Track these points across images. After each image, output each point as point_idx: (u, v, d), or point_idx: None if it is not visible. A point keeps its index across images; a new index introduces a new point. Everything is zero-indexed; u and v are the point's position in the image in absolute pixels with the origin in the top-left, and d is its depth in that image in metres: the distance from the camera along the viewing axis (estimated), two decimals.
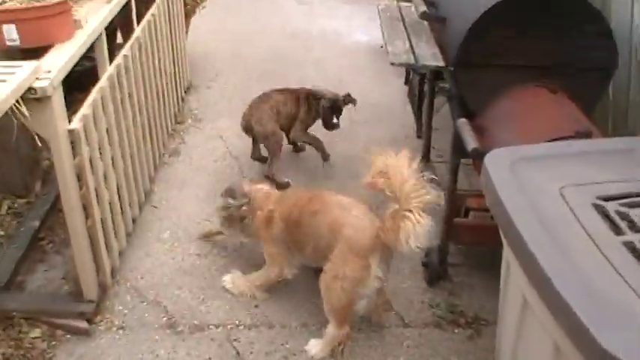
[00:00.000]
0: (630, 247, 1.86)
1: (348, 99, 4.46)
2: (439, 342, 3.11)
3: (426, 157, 4.24)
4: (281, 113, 4.31)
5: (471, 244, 3.47)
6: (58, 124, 2.69)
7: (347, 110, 4.35)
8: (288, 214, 3.16)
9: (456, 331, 3.18)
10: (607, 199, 2.05)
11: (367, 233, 2.85)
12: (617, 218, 1.97)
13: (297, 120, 4.39)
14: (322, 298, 2.97)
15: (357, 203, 3.03)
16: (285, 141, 4.45)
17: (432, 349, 3.07)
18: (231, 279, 3.39)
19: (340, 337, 2.97)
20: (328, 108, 4.37)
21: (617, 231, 1.92)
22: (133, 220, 3.73)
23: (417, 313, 3.26)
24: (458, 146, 3.10)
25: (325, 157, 4.47)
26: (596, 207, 2.02)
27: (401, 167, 2.71)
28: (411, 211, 2.66)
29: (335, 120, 4.41)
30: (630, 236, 1.90)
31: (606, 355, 1.51)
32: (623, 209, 2.00)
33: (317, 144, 4.47)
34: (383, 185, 2.73)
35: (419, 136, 4.71)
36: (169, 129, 4.70)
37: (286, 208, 3.19)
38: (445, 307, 3.30)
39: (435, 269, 3.38)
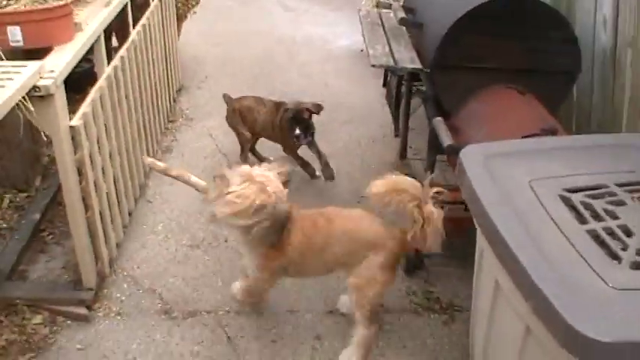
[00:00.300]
0: (593, 234, 1.90)
1: (315, 108, 4.04)
2: (416, 327, 3.14)
3: (403, 155, 4.28)
4: (246, 118, 4.26)
5: (446, 235, 3.49)
6: (61, 121, 2.69)
7: (328, 110, 4.31)
8: (307, 243, 2.75)
9: (432, 316, 3.21)
10: (572, 191, 2.09)
11: (402, 243, 2.75)
12: (581, 208, 2.01)
13: (274, 129, 4.22)
14: (354, 302, 2.81)
15: (374, 215, 2.82)
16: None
17: (409, 333, 3.10)
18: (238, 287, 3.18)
19: (373, 336, 2.86)
20: (291, 119, 3.98)
21: (582, 220, 1.97)
22: (129, 213, 3.73)
23: (396, 300, 3.28)
24: (434, 143, 3.14)
25: (310, 174, 4.26)
26: (563, 198, 2.06)
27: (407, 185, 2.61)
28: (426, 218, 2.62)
29: (297, 131, 3.95)
30: (593, 225, 1.94)
31: (574, 333, 1.55)
32: (587, 200, 2.05)
33: (300, 162, 4.24)
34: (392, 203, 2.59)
35: (396, 135, 4.74)
36: (162, 127, 4.69)
37: (304, 237, 2.74)
38: (421, 294, 3.33)
39: (412, 259, 3.40)
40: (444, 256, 3.55)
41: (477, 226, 2.18)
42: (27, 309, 3.13)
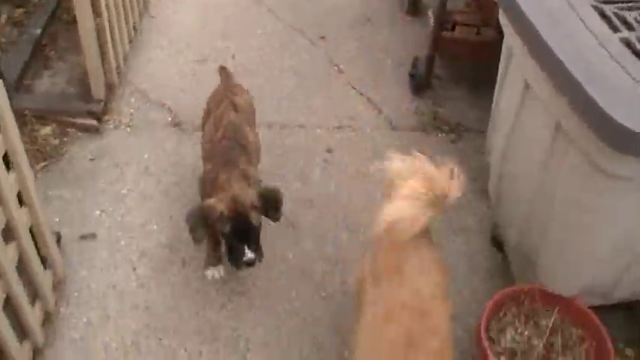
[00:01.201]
0: (625, 42, 1.89)
1: (272, 200, 2.33)
2: (424, 144, 3.15)
3: None
4: None
5: (456, 56, 3.45)
6: None
7: None
8: None
9: (439, 135, 3.23)
10: (605, 2, 2.05)
11: None
12: (614, 18, 1.98)
13: None
14: None
15: None
16: None
17: (418, 149, 3.05)
18: None
19: None
20: (230, 233, 2.26)
21: (615, 29, 1.94)
22: (134, 28, 3.62)
23: (404, 118, 3.29)
24: None
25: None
26: (595, 8, 2.03)
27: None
28: None
29: (249, 255, 2.25)
30: (626, 34, 1.92)
31: (610, 122, 1.58)
32: (619, 11, 2.02)
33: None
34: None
35: None
36: None
37: None
38: (429, 114, 3.33)
39: (422, 79, 3.38)
40: (453, 78, 3.54)
41: (508, 26, 2.13)
42: (35, 120, 3.12)
